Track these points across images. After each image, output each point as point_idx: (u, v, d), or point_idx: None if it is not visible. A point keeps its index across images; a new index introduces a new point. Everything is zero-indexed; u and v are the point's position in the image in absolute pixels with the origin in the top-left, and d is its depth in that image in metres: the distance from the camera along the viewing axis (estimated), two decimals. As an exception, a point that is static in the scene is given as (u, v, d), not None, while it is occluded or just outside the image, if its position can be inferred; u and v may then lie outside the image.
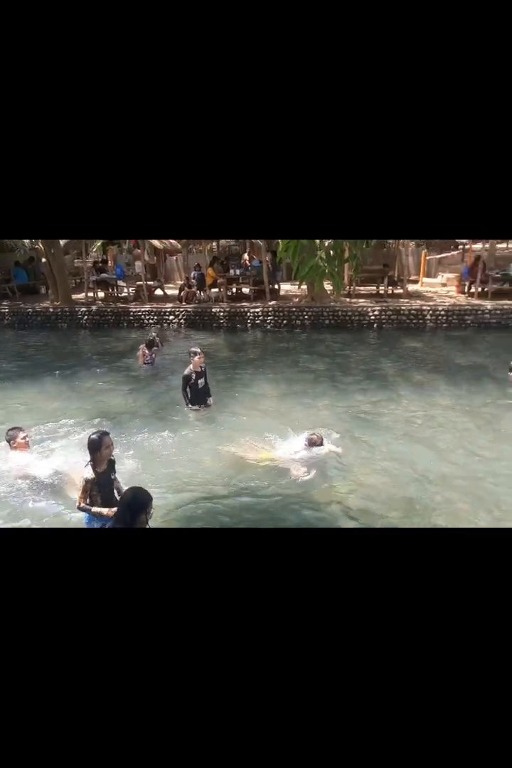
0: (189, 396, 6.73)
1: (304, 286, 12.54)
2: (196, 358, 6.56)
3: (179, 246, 15.97)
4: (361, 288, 14.20)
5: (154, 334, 9.82)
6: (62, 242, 14.47)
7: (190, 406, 6.74)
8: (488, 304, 11.67)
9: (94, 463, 3.61)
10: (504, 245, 16.28)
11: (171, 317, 13.04)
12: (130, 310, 13.26)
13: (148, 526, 2.75)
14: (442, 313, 11.75)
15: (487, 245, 13.48)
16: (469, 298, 12.52)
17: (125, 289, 15.08)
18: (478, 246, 13.46)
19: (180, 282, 15.34)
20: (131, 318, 13.15)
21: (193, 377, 6.63)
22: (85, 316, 13.38)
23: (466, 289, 13.14)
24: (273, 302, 12.99)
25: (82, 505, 3.58)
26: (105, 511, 3.51)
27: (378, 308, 12.07)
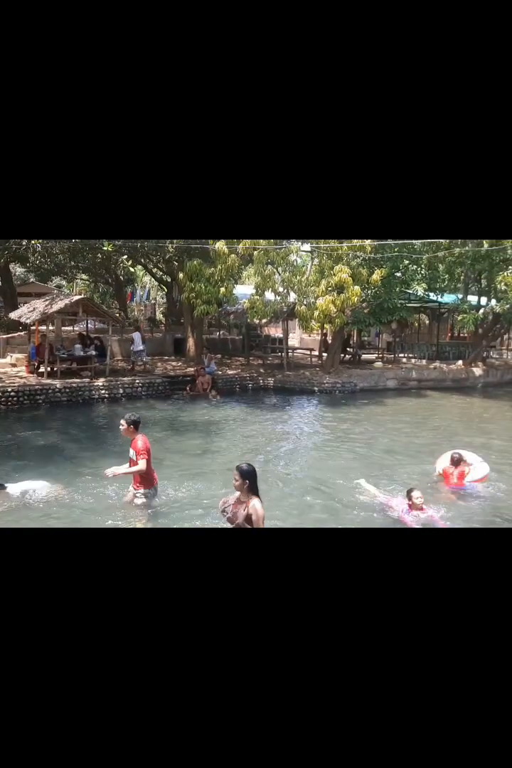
0: None
1: None
2: None
3: None
4: None
5: None
6: None
7: None
8: (58, 383, 12.02)
9: None
10: (70, 328, 17.33)
11: None
12: None
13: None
14: (13, 394, 11.25)
15: (53, 326, 14.01)
16: (39, 378, 12.55)
17: None
18: (43, 327, 13.78)
19: None
20: None
21: None
22: None
23: (36, 369, 13.13)
24: None
25: None
26: None
27: None
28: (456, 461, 6.63)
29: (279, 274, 14.09)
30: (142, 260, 20.03)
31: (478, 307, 17.68)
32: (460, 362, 17.98)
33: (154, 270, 21.63)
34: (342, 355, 17.94)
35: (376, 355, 20.09)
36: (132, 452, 5.21)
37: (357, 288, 13.10)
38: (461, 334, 22.18)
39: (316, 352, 19.28)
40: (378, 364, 17.85)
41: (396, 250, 14.39)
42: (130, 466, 5.25)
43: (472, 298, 18.57)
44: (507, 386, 17.67)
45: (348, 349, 19.24)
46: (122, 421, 5.26)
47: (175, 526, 4.57)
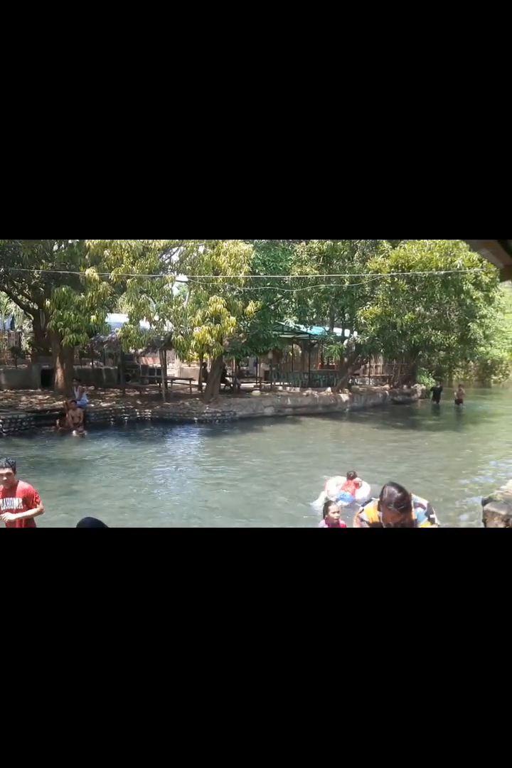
0: None
1: None
2: None
3: None
4: None
5: None
6: None
7: None
8: None
9: None
10: None
11: None
12: None
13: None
14: None
15: None
16: None
17: None
18: None
19: None
20: None
21: None
22: None
23: None
24: None
25: None
26: None
27: None
28: (352, 476, 7.45)
29: (155, 303, 13.91)
30: (6, 286, 18.35)
31: (342, 338, 19.28)
32: (329, 389, 19.32)
33: (19, 297, 19.95)
34: (222, 384, 18.17)
35: (254, 384, 20.70)
36: (17, 501, 4.34)
37: (232, 318, 13.43)
38: (329, 363, 23.92)
39: (196, 382, 19.27)
40: (256, 392, 18.41)
41: (268, 284, 15.12)
42: (18, 514, 4.38)
43: (338, 331, 20.21)
44: (370, 410, 19.39)
45: (226, 378, 19.56)
46: (5, 469, 4.25)
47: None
